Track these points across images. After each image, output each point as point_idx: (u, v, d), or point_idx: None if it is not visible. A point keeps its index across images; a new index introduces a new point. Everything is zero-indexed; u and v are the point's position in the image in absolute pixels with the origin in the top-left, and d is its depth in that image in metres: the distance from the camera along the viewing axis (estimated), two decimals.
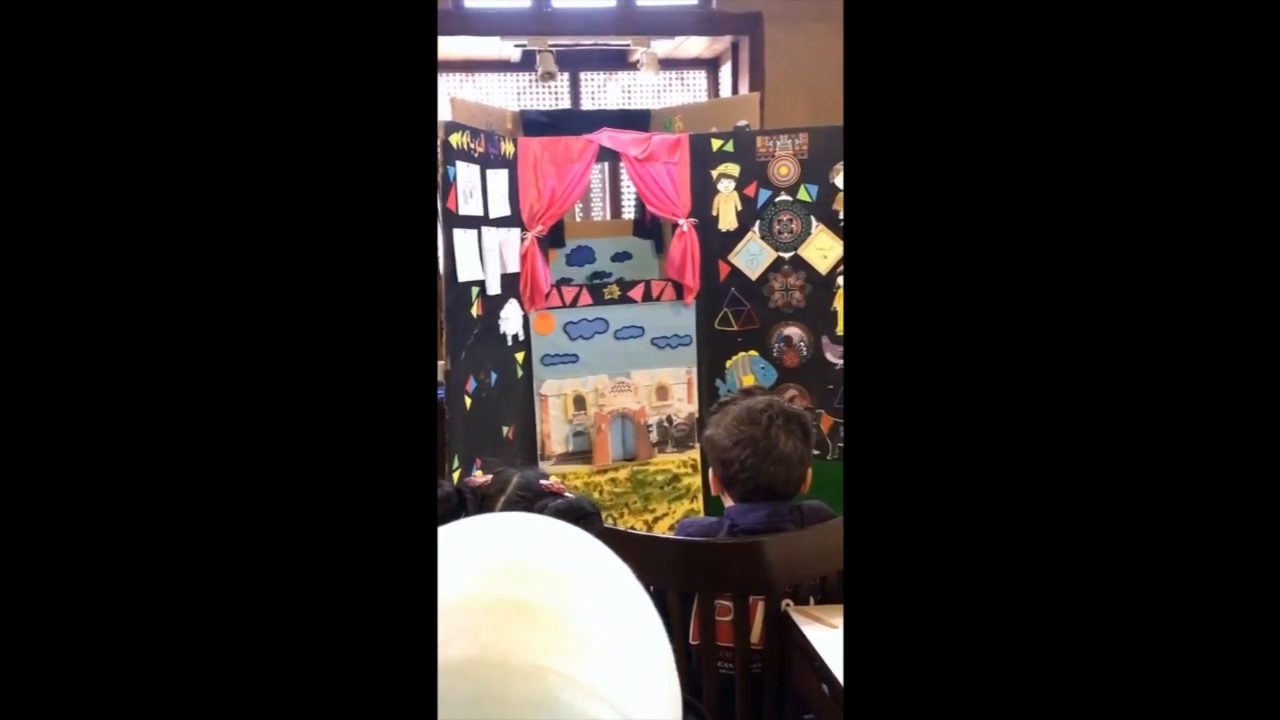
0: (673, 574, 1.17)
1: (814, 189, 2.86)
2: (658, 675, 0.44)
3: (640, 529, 2.72)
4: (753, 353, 2.97)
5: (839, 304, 2.93)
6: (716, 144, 2.85)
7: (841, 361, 2.92)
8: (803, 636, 1.12)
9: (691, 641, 1.21)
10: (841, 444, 2.93)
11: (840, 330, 2.91)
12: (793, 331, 2.95)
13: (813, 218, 2.86)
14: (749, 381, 2.97)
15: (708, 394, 2.92)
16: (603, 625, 0.43)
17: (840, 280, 2.89)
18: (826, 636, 1.11)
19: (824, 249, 2.90)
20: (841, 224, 2.85)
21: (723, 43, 4.87)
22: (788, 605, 1.19)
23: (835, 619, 1.16)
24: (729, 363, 2.98)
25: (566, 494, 0.87)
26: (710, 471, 1.33)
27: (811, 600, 1.24)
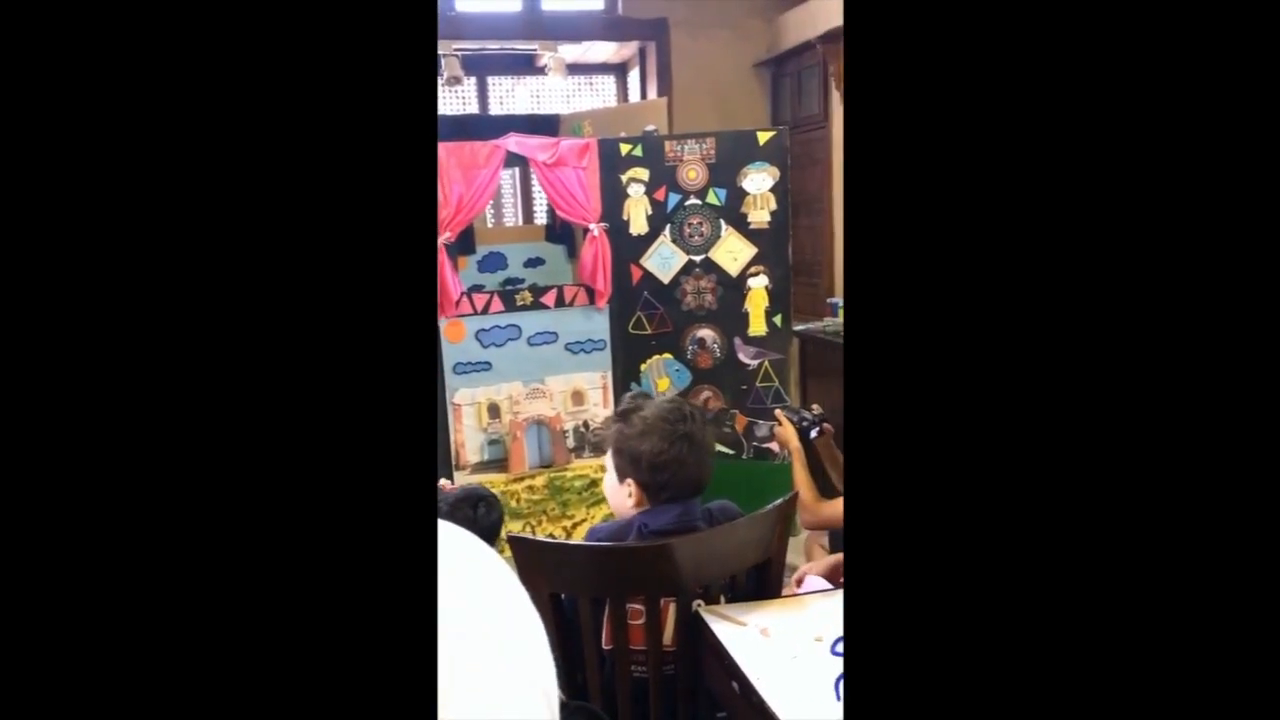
0: (583, 579, 1.16)
1: (722, 193, 2.90)
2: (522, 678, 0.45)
3: (560, 535, 2.71)
4: (667, 356, 2.99)
5: (750, 305, 2.98)
6: (625, 149, 2.86)
7: (754, 362, 2.97)
8: (714, 636, 1.13)
9: (605, 646, 1.21)
10: (755, 443, 2.98)
11: (751, 331, 2.96)
12: (706, 333, 2.97)
13: (722, 221, 2.90)
14: (664, 385, 2.99)
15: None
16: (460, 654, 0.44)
17: (750, 282, 2.94)
18: (737, 635, 1.12)
19: (734, 251, 2.94)
20: (750, 227, 2.90)
21: (630, 48, 4.89)
22: (699, 606, 1.20)
23: (744, 617, 1.17)
24: (644, 366, 2.99)
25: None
26: (616, 482, 1.31)
27: (722, 599, 1.25)
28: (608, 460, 1.34)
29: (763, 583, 1.28)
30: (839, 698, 0.97)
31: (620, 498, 1.30)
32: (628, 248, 2.89)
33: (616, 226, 2.85)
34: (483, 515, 1.32)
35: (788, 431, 2.11)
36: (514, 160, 2.80)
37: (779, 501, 1.28)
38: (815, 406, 2.26)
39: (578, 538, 2.70)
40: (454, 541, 0.53)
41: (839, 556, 1.82)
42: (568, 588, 1.20)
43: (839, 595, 1.25)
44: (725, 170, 2.88)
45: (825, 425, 2.16)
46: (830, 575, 1.91)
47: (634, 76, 5.02)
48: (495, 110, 4.65)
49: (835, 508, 1.82)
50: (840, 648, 1.08)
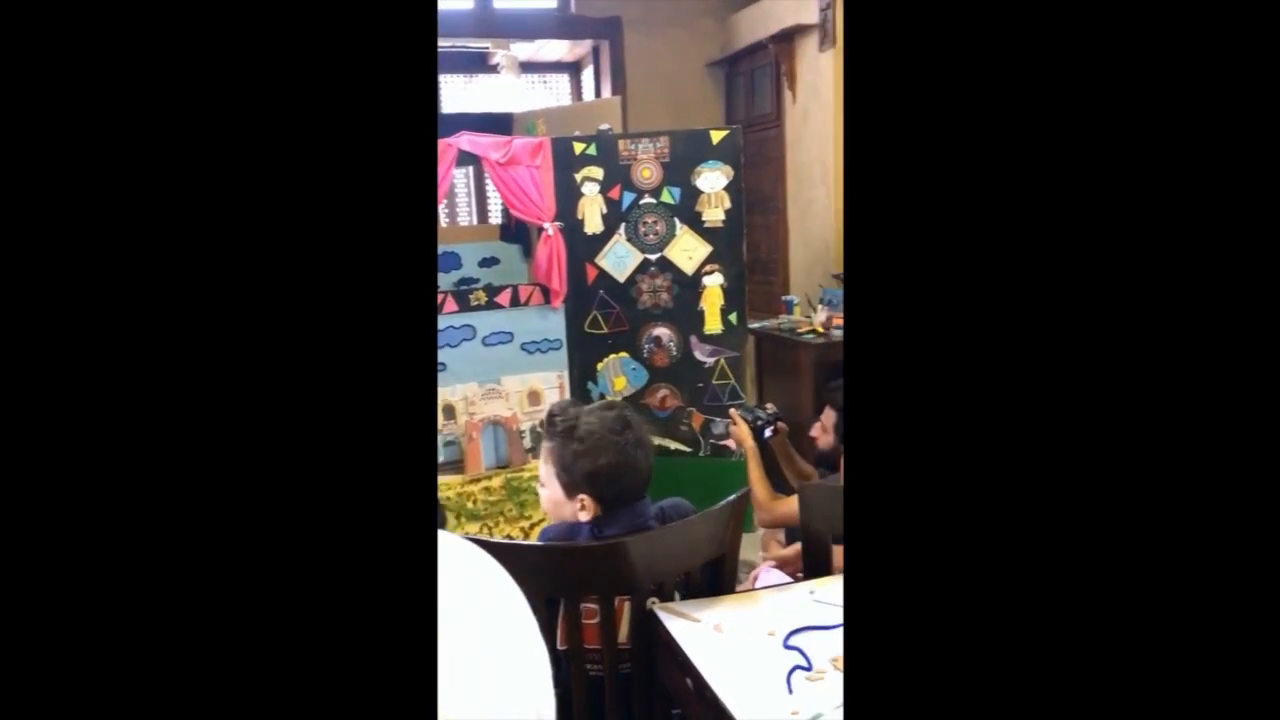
0: (537, 580, 1.15)
1: (677, 191, 2.91)
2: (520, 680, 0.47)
3: (518, 536, 2.69)
4: (623, 354, 2.99)
5: (705, 304, 2.99)
6: (579, 147, 2.86)
7: (710, 360, 2.99)
8: (668, 633, 1.13)
9: (560, 647, 1.20)
10: (712, 440, 2.99)
11: (707, 329, 2.98)
12: (662, 332, 2.98)
13: (676, 220, 2.91)
14: (620, 384, 2.99)
15: (581, 397, 2.92)
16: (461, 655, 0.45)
17: (705, 280, 2.95)
18: (691, 631, 1.13)
19: (689, 250, 2.95)
20: (704, 225, 2.92)
21: (584, 46, 4.89)
22: (653, 603, 1.20)
23: (699, 613, 1.17)
24: (600, 365, 2.99)
25: None
26: (562, 498, 1.30)
27: (676, 596, 1.26)
28: (545, 475, 1.32)
29: (717, 579, 1.29)
30: (791, 691, 0.98)
31: (569, 511, 1.29)
32: (583, 247, 2.89)
33: (571, 225, 2.85)
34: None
35: (742, 431, 2.13)
36: (467, 159, 2.78)
37: (732, 498, 1.29)
38: (769, 405, 2.28)
39: (536, 538, 2.69)
40: (453, 549, 0.54)
41: (795, 548, 1.84)
42: (522, 589, 1.19)
43: (793, 589, 1.26)
44: (679, 169, 2.89)
45: (779, 424, 2.18)
46: (787, 567, 1.93)
47: (588, 75, 5.01)
48: (448, 108, 4.61)
49: (790, 505, 1.83)
50: (793, 641, 1.09)
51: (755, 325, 3.65)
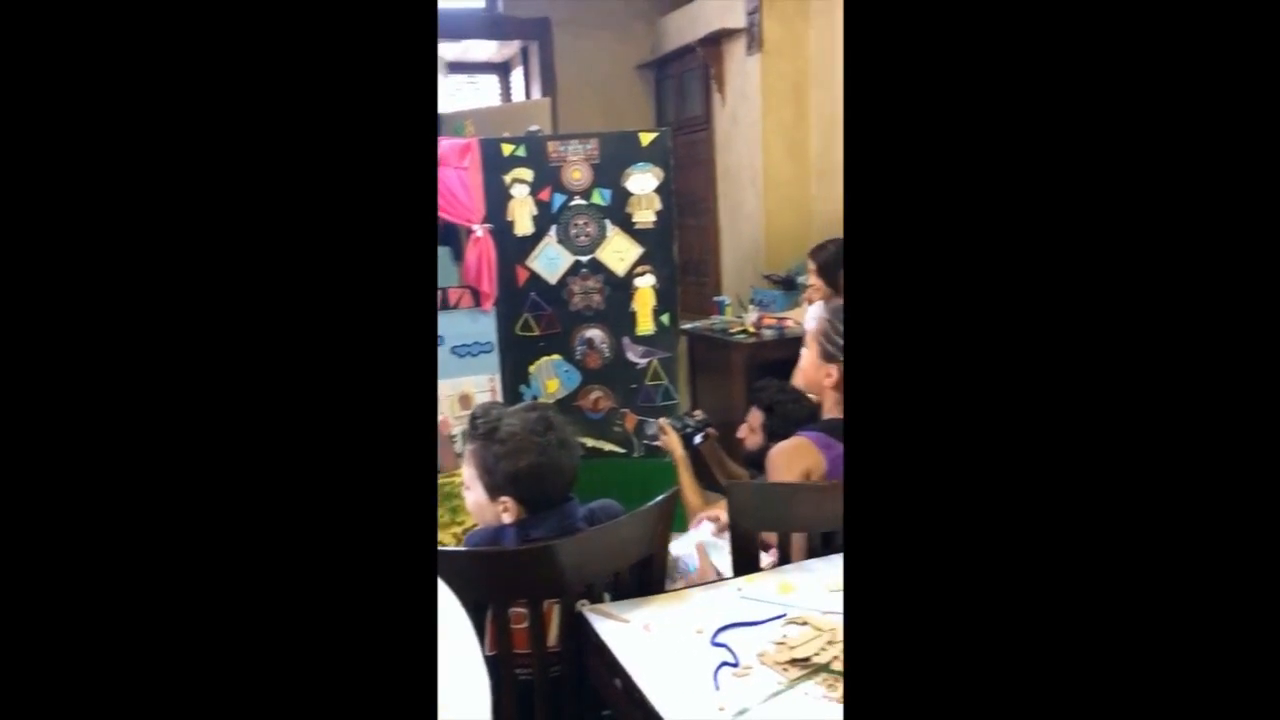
0: (465, 586, 1.14)
1: (607, 193, 2.91)
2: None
3: (450, 543, 2.65)
4: (555, 356, 2.98)
5: (637, 305, 3.00)
6: (508, 149, 2.84)
7: (643, 361, 3.00)
8: (597, 635, 1.13)
9: (488, 652, 1.19)
10: (646, 441, 3.00)
11: (639, 330, 2.99)
12: (594, 333, 2.98)
13: (607, 221, 2.91)
14: (553, 386, 2.98)
15: (513, 401, 2.89)
16: None
17: (637, 282, 2.96)
18: (620, 632, 1.13)
19: (620, 251, 2.95)
20: (635, 227, 2.93)
21: (512, 47, 4.85)
22: (582, 605, 1.20)
23: (628, 614, 1.18)
24: (532, 367, 2.97)
25: None
26: (485, 500, 1.29)
27: (606, 597, 1.26)
28: (469, 478, 1.31)
29: (646, 579, 1.29)
30: (718, 687, 0.99)
31: (492, 514, 1.28)
32: (513, 249, 2.87)
33: (501, 227, 2.82)
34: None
35: (672, 440, 2.14)
36: None
37: (660, 498, 1.30)
38: (698, 412, 2.29)
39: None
40: None
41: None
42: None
43: (721, 587, 1.28)
44: (609, 171, 2.89)
45: (709, 430, 2.20)
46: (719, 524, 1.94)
47: (517, 75, 4.98)
48: None
49: (720, 508, 1.85)
50: (720, 638, 1.10)
51: (687, 326, 3.68)
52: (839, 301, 1.58)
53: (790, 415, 1.97)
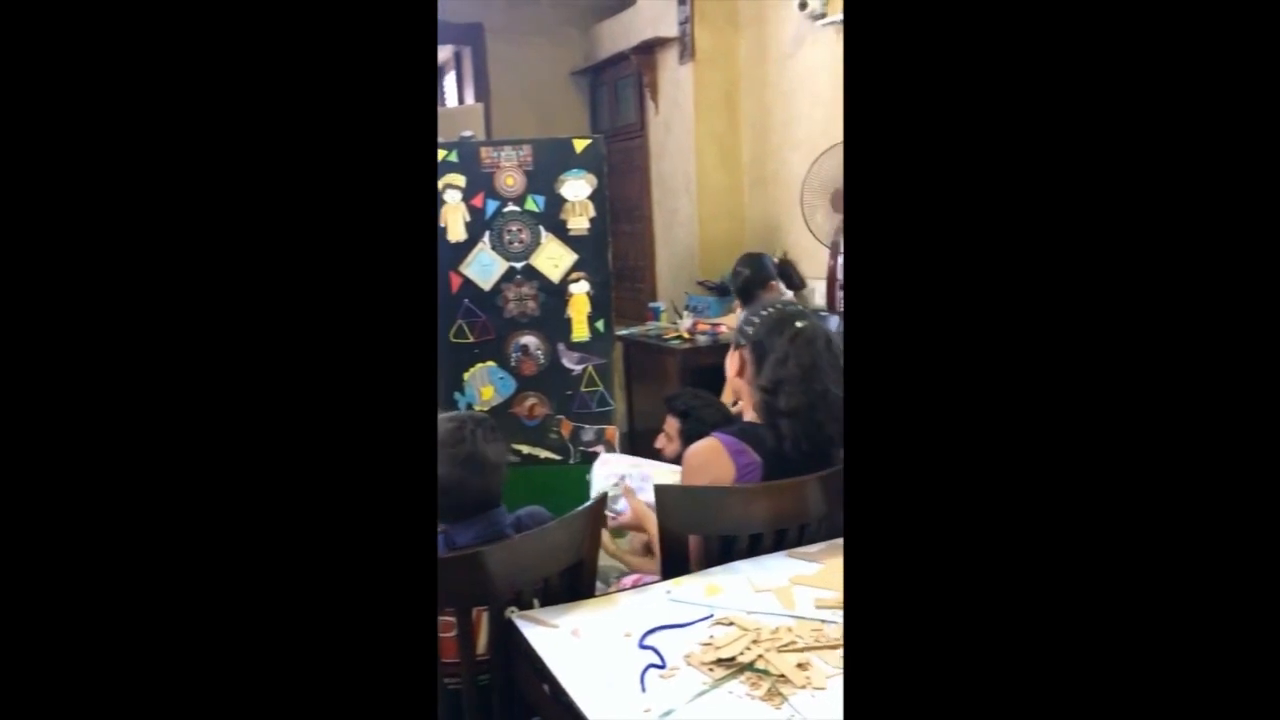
0: None
1: (541, 199, 2.91)
2: None
3: None
4: (490, 363, 2.96)
5: (572, 311, 3.00)
6: (441, 154, 2.82)
7: (578, 367, 3.00)
8: (526, 641, 1.13)
9: None
10: (581, 448, 3.01)
11: (574, 337, 2.99)
12: (529, 340, 2.98)
13: (541, 228, 2.91)
14: (488, 393, 2.96)
15: (448, 408, 2.87)
16: None
17: (572, 288, 2.97)
18: (549, 638, 1.14)
19: (554, 258, 2.95)
20: (569, 234, 2.93)
21: (445, 52, 4.82)
22: (511, 612, 1.20)
23: (557, 619, 1.18)
24: (467, 375, 2.95)
25: None
26: None
27: (535, 603, 1.26)
28: None
29: (575, 584, 1.30)
30: (644, 689, 1.00)
31: None
32: (447, 255, 2.85)
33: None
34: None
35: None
36: None
37: (588, 504, 1.31)
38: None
39: None
40: None
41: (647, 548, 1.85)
42: None
43: (650, 590, 1.29)
44: (543, 177, 2.89)
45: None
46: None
47: (450, 81, 4.94)
48: None
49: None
50: (648, 641, 1.11)
51: (623, 332, 3.70)
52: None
53: (705, 420, 2.00)
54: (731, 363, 1.55)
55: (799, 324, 1.44)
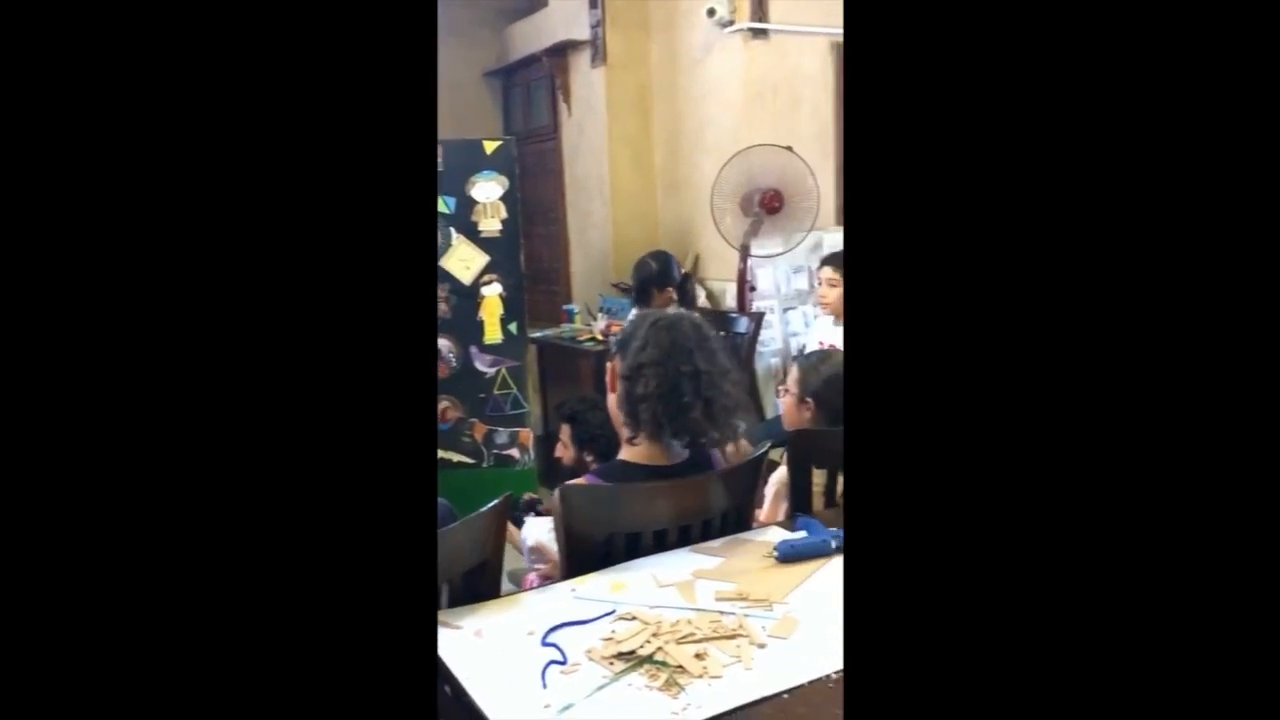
0: None
1: (452, 201, 2.89)
2: None
3: None
4: None
5: (484, 314, 2.99)
6: None
7: (491, 370, 2.98)
8: None
9: None
10: (496, 451, 2.99)
11: (487, 339, 2.97)
12: (441, 343, 2.94)
13: (452, 229, 2.89)
14: None
15: None
16: None
17: (484, 290, 2.95)
18: (451, 639, 1.13)
19: (465, 260, 2.94)
20: (481, 235, 2.92)
21: None
22: None
23: (460, 620, 1.18)
24: None
25: None
26: None
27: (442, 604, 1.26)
28: None
29: (479, 585, 1.30)
30: (545, 685, 1.01)
31: None
32: None
33: None
34: None
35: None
36: None
37: (493, 504, 1.31)
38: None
39: None
40: None
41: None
42: None
43: (555, 589, 1.30)
44: (454, 179, 2.87)
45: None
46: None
47: None
48: None
49: None
50: (550, 638, 1.12)
51: (537, 334, 3.69)
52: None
53: (591, 423, 2.03)
54: (608, 375, 1.56)
55: (663, 318, 1.46)
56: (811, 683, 0.97)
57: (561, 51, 4.16)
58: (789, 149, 3.20)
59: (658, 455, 1.46)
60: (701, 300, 3.68)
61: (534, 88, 4.59)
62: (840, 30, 3.70)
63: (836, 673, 0.98)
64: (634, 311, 1.46)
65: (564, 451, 2.16)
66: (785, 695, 0.95)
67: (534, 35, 4.39)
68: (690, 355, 1.40)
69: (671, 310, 1.52)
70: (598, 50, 3.94)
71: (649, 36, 3.97)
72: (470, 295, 2.94)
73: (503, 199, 2.92)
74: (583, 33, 4.00)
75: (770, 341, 3.66)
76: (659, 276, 3.10)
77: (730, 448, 1.56)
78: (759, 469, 1.57)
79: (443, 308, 2.92)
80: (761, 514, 1.71)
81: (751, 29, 3.47)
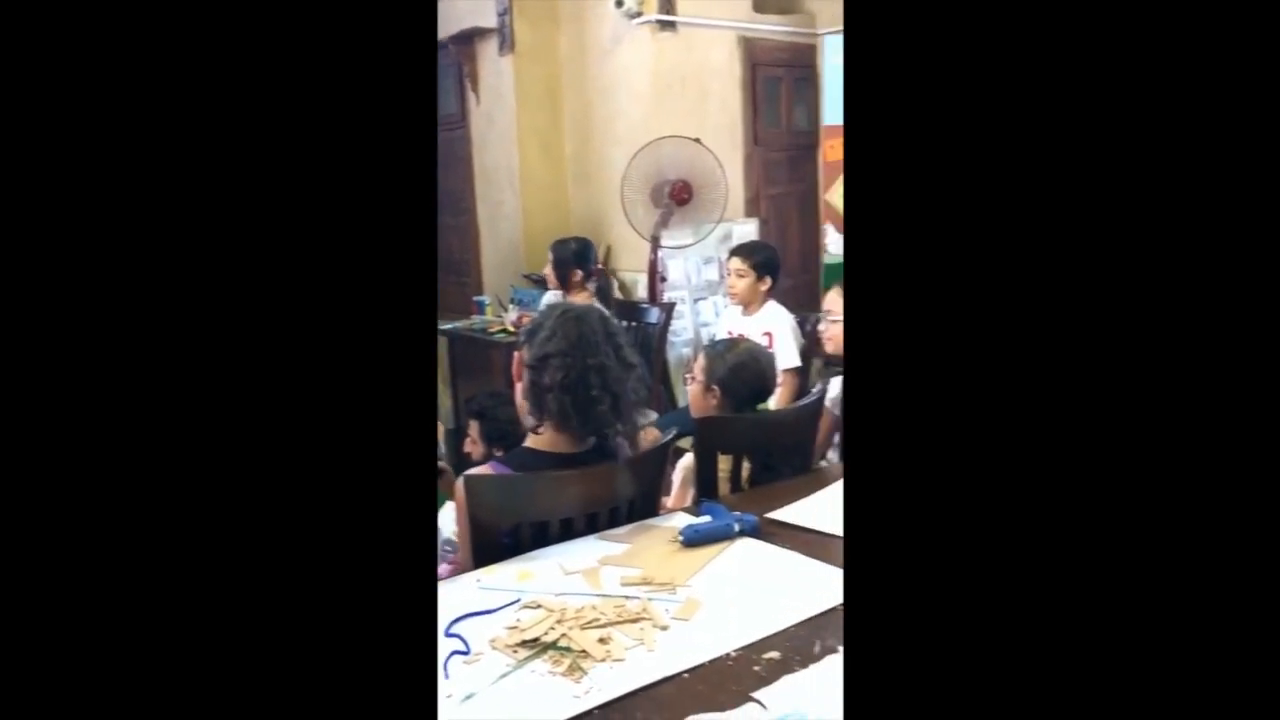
0: None
1: None
2: None
3: None
4: None
5: None
6: None
7: None
8: None
9: None
10: None
11: None
12: None
13: None
14: None
15: None
16: None
17: None
18: None
19: None
20: None
21: None
22: None
23: None
24: None
25: None
26: None
27: None
28: None
29: None
30: (447, 675, 1.01)
31: None
32: None
33: None
34: None
35: None
36: None
37: None
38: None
39: None
40: None
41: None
42: None
43: (461, 580, 1.29)
44: None
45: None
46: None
47: None
48: None
49: None
50: (454, 629, 1.11)
51: (447, 326, 3.64)
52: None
53: (501, 418, 2.04)
54: (514, 365, 1.56)
55: (572, 309, 1.47)
56: (712, 661, 0.99)
57: (469, 39, 4.09)
58: (698, 141, 3.23)
59: (564, 443, 1.46)
60: (615, 291, 3.70)
61: (441, 75, 4.50)
62: (745, 24, 3.76)
63: (736, 650, 1.01)
64: (545, 301, 1.46)
65: (473, 447, 2.15)
66: (686, 675, 0.97)
67: (441, 21, 4.31)
68: (598, 349, 1.41)
69: (581, 302, 1.53)
70: (505, 38, 3.90)
71: (557, 26, 3.95)
72: None
73: None
74: (490, 20, 3.95)
75: (682, 331, 3.70)
76: (577, 257, 3.09)
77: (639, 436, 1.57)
78: (666, 456, 1.59)
79: None
80: (669, 500, 1.74)
81: (660, 21, 3.49)
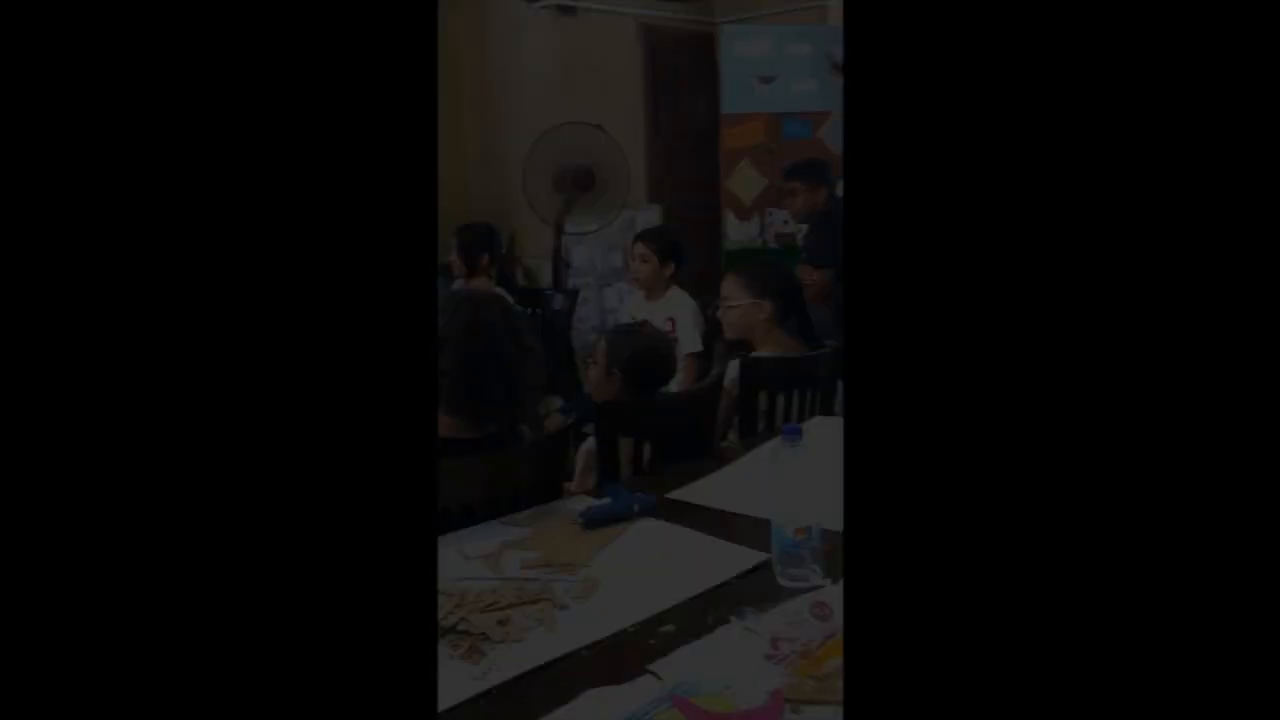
0: None
1: None
2: None
3: None
4: None
5: None
6: None
7: None
8: None
9: None
10: None
11: None
12: None
13: None
14: None
15: None
16: None
17: None
18: None
19: None
20: None
21: None
22: None
23: None
24: None
25: None
26: None
27: None
28: None
29: None
30: None
31: None
32: None
33: None
34: None
35: None
36: None
37: None
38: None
39: None
40: None
41: None
42: None
43: None
44: None
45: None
46: None
47: None
48: None
49: None
50: None
51: None
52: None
53: None
54: None
55: (472, 295, 1.47)
56: (611, 637, 1.01)
57: None
58: (599, 128, 3.24)
59: (462, 429, 1.45)
60: (519, 277, 3.68)
61: None
62: (645, 10, 3.78)
63: (633, 625, 1.03)
64: (452, 289, 1.45)
65: None
66: (584, 651, 0.99)
67: None
68: (494, 335, 1.41)
69: (482, 288, 1.53)
70: None
71: (457, 9, 3.89)
72: None
73: None
74: None
75: (588, 318, 3.71)
76: (486, 240, 3.04)
77: (541, 421, 1.58)
78: (567, 441, 1.61)
79: None
80: (571, 485, 1.75)
81: (560, 6, 3.47)
